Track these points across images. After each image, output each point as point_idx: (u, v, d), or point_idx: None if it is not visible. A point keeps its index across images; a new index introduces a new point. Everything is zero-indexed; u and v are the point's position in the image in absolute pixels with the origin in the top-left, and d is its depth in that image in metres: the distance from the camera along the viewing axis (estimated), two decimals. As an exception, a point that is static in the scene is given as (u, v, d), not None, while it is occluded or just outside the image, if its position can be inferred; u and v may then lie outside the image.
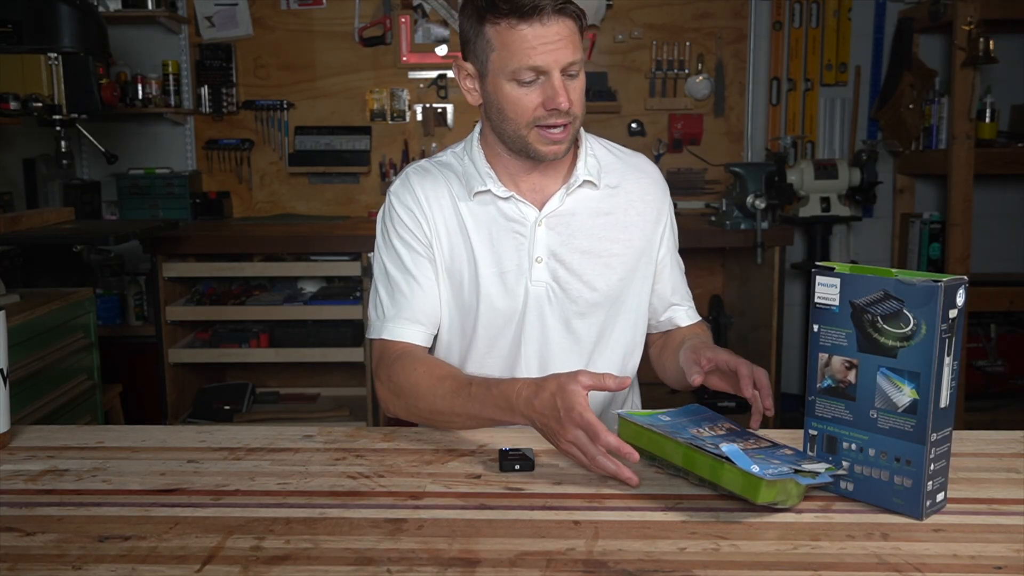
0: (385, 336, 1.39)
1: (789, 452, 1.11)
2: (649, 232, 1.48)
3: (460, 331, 1.46)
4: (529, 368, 1.45)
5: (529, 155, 1.37)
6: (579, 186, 1.43)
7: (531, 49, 1.28)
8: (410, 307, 1.40)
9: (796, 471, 1.02)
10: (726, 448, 1.03)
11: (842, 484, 1.07)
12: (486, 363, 1.46)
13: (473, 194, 1.42)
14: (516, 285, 1.42)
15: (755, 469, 0.99)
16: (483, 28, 1.31)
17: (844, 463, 1.07)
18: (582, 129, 1.47)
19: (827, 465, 1.06)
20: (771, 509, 1.02)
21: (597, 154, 1.48)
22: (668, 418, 1.19)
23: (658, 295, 1.54)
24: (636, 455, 1.07)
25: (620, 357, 1.50)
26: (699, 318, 1.59)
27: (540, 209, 1.42)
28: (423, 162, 1.49)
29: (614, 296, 1.46)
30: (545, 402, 1.12)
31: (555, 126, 1.33)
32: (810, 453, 1.10)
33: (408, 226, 1.42)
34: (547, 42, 1.27)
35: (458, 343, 1.47)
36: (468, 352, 1.46)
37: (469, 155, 1.45)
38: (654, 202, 1.50)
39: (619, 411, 1.21)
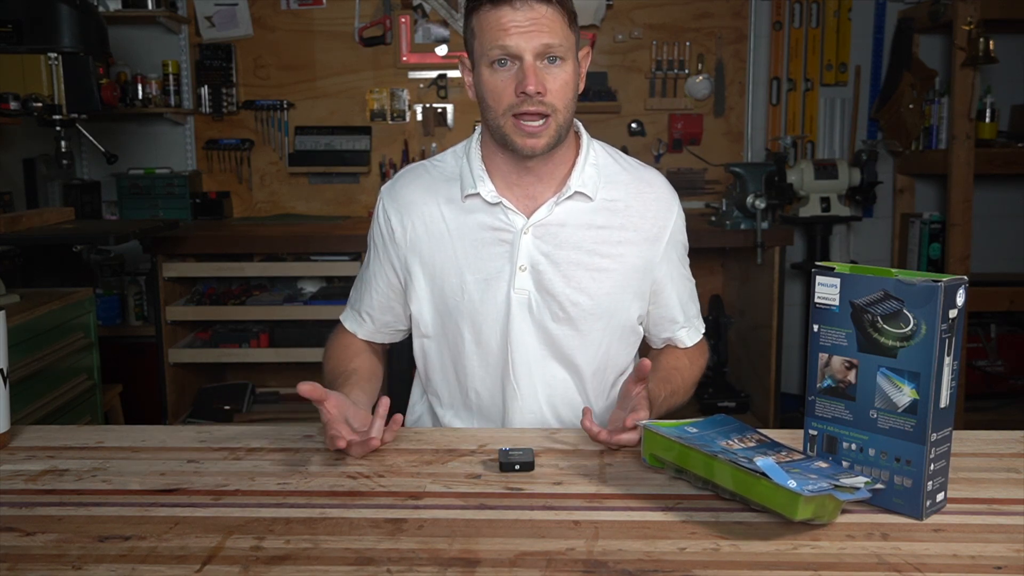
0: (341, 318, 1.58)
1: (825, 465, 1.06)
2: (646, 251, 1.43)
3: (446, 336, 1.46)
4: (519, 378, 1.43)
5: (509, 148, 1.35)
6: (569, 197, 1.40)
7: (502, 31, 1.28)
8: (361, 303, 1.54)
9: (835, 487, 0.99)
10: (761, 463, 1.00)
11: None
12: (478, 372, 1.45)
13: (464, 197, 1.41)
14: (498, 292, 1.41)
15: (792, 484, 0.96)
16: (470, 17, 1.34)
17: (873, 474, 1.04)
18: (586, 136, 1.45)
19: (865, 479, 1.02)
20: (805, 524, 0.99)
21: (600, 164, 1.44)
22: (695, 429, 1.16)
23: (660, 315, 1.50)
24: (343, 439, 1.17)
25: (612, 373, 1.49)
26: (701, 336, 1.56)
27: (529, 217, 1.40)
28: (421, 163, 1.50)
29: (602, 311, 1.42)
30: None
31: (529, 115, 1.30)
32: (845, 465, 1.07)
33: (382, 231, 1.48)
34: (518, 25, 1.27)
35: (447, 349, 1.47)
36: (459, 359, 1.46)
37: (467, 155, 1.44)
38: (655, 219, 1.44)
39: (644, 422, 1.18)
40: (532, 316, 1.41)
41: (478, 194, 1.40)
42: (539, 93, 1.29)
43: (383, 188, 1.51)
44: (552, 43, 1.28)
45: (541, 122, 1.31)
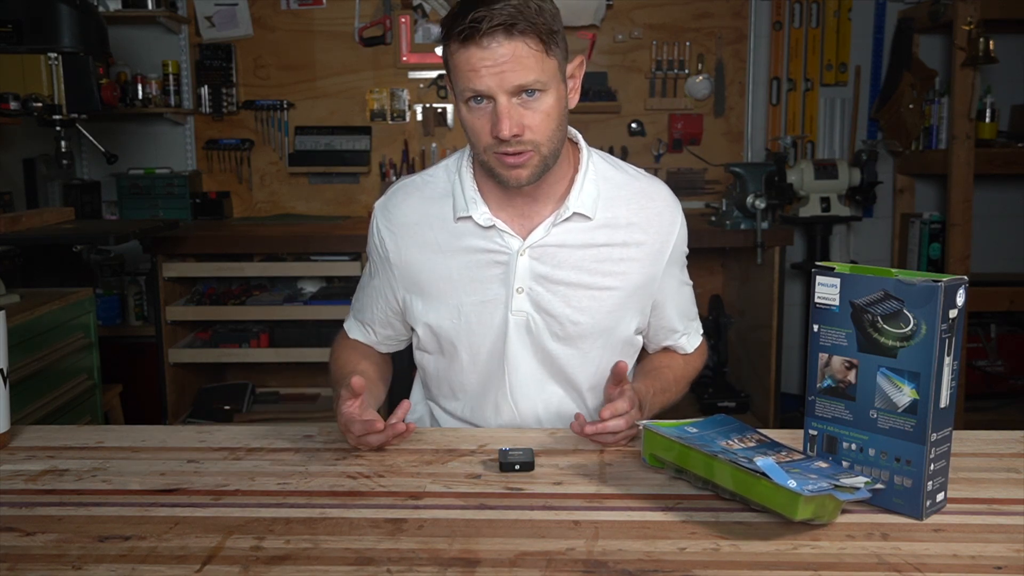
0: (345, 326, 1.60)
1: (825, 465, 1.07)
2: (648, 267, 1.40)
3: (443, 356, 1.45)
4: (517, 399, 1.42)
5: (495, 179, 1.31)
6: (568, 218, 1.35)
7: (472, 72, 1.21)
8: (363, 314, 1.54)
9: (835, 487, 0.99)
10: (761, 462, 1.00)
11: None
12: (476, 392, 1.44)
13: (456, 219, 1.37)
14: (495, 315, 1.38)
15: (792, 484, 0.96)
16: (445, 50, 1.27)
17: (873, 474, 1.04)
18: (586, 150, 1.40)
19: (865, 479, 1.02)
20: (805, 524, 0.99)
21: (600, 179, 1.39)
22: (695, 429, 1.16)
23: (660, 325, 1.49)
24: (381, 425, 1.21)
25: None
26: (699, 340, 1.56)
27: (524, 239, 1.36)
28: (413, 178, 1.45)
29: (602, 329, 1.40)
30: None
31: (508, 153, 1.25)
32: (845, 465, 1.07)
33: (378, 250, 1.46)
34: (489, 65, 1.20)
35: (444, 368, 1.46)
36: (457, 377, 1.45)
37: (459, 173, 1.39)
38: (659, 233, 1.40)
39: (644, 422, 1.18)
40: (531, 336, 1.39)
41: (470, 217, 1.36)
42: (516, 135, 1.23)
43: (376, 205, 1.47)
44: (525, 82, 1.21)
45: (521, 156, 1.26)
